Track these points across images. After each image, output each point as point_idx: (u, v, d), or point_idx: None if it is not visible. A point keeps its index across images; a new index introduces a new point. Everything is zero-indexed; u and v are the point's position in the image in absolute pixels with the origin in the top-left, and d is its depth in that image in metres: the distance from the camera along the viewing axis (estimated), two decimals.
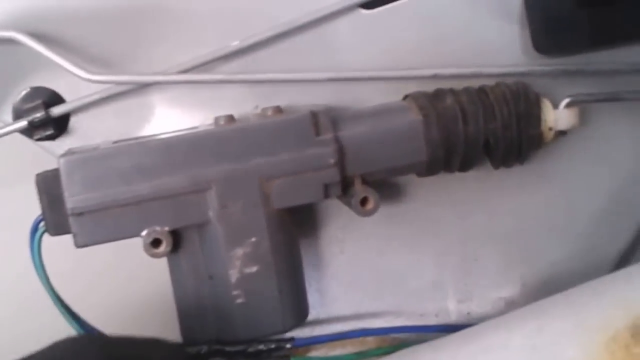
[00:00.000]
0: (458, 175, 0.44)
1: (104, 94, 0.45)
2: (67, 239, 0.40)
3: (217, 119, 0.42)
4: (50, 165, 0.40)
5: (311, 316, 0.44)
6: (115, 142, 0.43)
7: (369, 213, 0.42)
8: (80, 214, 0.39)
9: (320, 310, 0.48)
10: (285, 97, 0.45)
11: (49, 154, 0.45)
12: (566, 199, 0.48)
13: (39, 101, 0.45)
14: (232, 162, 0.40)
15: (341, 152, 0.41)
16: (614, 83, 0.45)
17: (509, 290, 0.49)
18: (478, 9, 0.44)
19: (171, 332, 0.42)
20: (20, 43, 0.42)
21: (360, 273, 0.48)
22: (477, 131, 0.42)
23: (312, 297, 0.45)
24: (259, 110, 0.44)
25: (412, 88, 0.44)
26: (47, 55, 0.42)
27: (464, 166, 0.43)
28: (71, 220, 0.39)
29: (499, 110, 0.42)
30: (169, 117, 0.46)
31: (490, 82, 0.44)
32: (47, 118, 0.44)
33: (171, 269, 0.42)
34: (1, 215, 0.50)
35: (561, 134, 0.44)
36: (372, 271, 0.48)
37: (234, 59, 0.44)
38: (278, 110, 0.42)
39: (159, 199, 0.39)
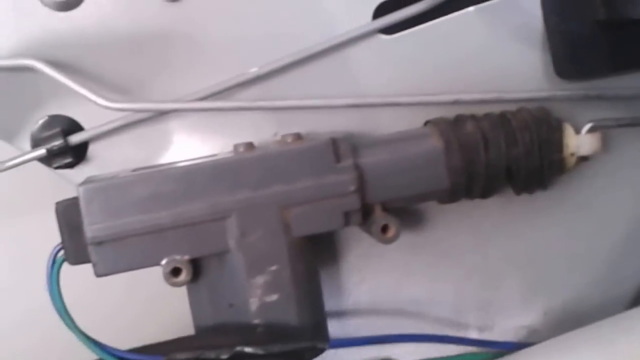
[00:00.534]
0: (479, 201, 0.42)
1: (122, 122, 0.44)
2: (83, 268, 0.39)
3: (236, 147, 0.41)
4: (68, 193, 0.39)
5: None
6: (134, 170, 0.42)
7: (390, 241, 0.40)
8: (99, 243, 0.38)
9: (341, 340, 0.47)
10: (305, 124, 0.43)
11: (67, 182, 0.44)
12: (589, 226, 0.46)
13: (57, 129, 0.44)
14: (252, 190, 0.39)
15: (361, 179, 0.40)
16: (638, 107, 0.44)
17: (531, 319, 0.47)
18: (499, 33, 0.43)
19: None
20: (38, 71, 0.41)
21: (380, 302, 0.47)
22: (499, 158, 0.41)
23: (332, 327, 0.44)
24: (278, 137, 0.43)
25: (433, 114, 0.43)
26: (66, 83, 0.41)
27: (486, 193, 0.42)
28: (90, 249, 0.38)
29: (520, 137, 0.41)
30: (188, 145, 0.44)
31: (511, 107, 0.43)
32: (65, 146, 0.43)
33: (191, 298, 0.41)
34: (19, 245, 0.50)
35: (584, 159, 0.42)
36: (393, 300, 0.47)
37: (253, 86, 0.43)
38: (298, 137, 0.41)
39: (179, 227, 0.38)
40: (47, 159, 0.44)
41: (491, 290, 0.47)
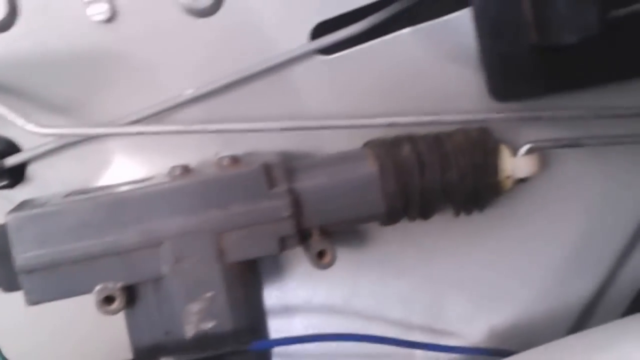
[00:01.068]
0: (421, 221, 0.41)
1: (59, 143, 0.42)
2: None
3: (172, 169, 0.39)
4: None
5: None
6: (68, 194, 0.40)
7: (326, 266, 0.39)
8: (30, 272, 0.37)
9: (287, 359, 0.45)
10: (246, 143, 0.42)
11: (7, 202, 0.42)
12: (530, 244, 0.45)
13: None
14: (186, 216, 0.37)
15: (297, 204, 0.38)
16: (575, 127, 0.42)
17: (477, 336, 0.46)
18: (434, 54, 0.41)
19: None
20: None
21: (328, 320, 0.46)
22: (433, 181, 0.39)
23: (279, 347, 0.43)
24: (217, 157, 0.41)
25: (371, 133, 0.41)
26: None
27: (425, 214, 0.41)
28: (21, 277, 0.37)
29: (454, 161, 0.39)
30: (128, 165, 0.43)
31: (450, 128, 0.41)
32: (1, 168, 0.41)
33: (128, 324, 0.39)
34: None
35: (522, 180, 0.41)
36: (340, 318, 0.46)
37: (191, 106, 0.42)
38: (234, 160, 0.39)
39: (111, 255, 0.37)
40: None
41: (437, 307, 0.46)
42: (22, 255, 0.36)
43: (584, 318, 0.46)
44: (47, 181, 0.43)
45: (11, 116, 0.39)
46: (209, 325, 0.38)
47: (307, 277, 0.45)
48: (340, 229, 0.41)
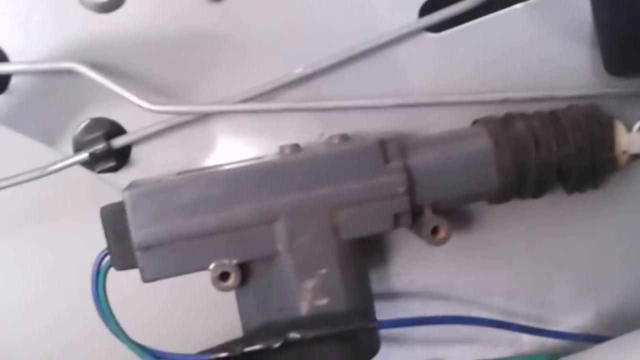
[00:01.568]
0: (530, 201, 0.39)
1: (165, 124, 0.41)
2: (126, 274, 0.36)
3: (282, 148, 0.38)
4: (109, 197, 0.37)
5: (383, 346, 0.39)
6: (179, 173, 0.39)
7: (441, 242, 0.37)
8: (147, 248, 0.35)
9: (392, 342, 0.44)
10: (351, 124, 0.40)
11: (110, 186, 0.41)
12: None
13: (99, 133, 0.40)
14: (300, 192, 0.36)
15: (411, 180, 0.37)
16: None
17: (583, 319, 0.44)
18: (547, 30, 0.40)
19: None
20: (80, 74, 0.38)
21: (430, 303, 0.44)
22: (550, 157, 0.38)
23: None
24: (324, 138, 0.40)
25: (481, 113, 0.40)
26: (108, 86, 0.38)
27: (537, 192, 0.39)
28: (137, 254, 0.35)
29: (571, 135, 0.38)
30: (232, 147, 0.41)
31: (561, 105, 0.39)
32: (108, 150, 0.40)
33: (239, 302, 0.38)
34: (63, 250, 0.47)
35: (635, 157, 0.39)
36: (443, 301, 0.44)
37: (298, 86, 0.40)
38: (344, 138, 0.38)
39: (227, 231, 0.36)
40: (90, 163, 0.41)
41: (543, 290, 0.44)
42: (140, 231, 0.35)
43: None
44: (151, 164, 0.41)
45: (127, 94, 0.38)
46: (323, 302, 0.36)
47: (408, 261, 0.43)
48: (451, 206, 0.39)
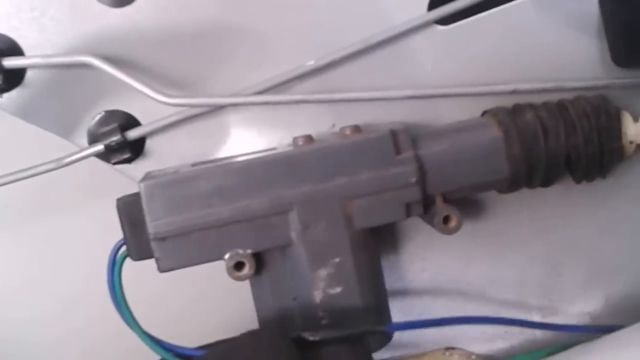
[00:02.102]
0: (539, 190, 0.38)
1: (179, 116, 0.40)
2: (141, 264, 0.35)
3: (295, 140, 0.37)
4: (124, 188, 0.36)
5: (395, 335, 0.38)
6: (194, 164, 0.38)
7: (452, 231, 0.36)
8: (162, 239, 0.34)
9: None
10: (363, 115, 0.39)
11: (125, 177, 0.40)
12: None
13: (114, 125, 0.39)
14: (313, 182, 0.35)
15: (422, 170, 0.36)
16: None
17: (593, 305, 0.43)
18: (555, 22, 0.39)
19: None
20: (95, 67, 0.37)
21: (442, 290, 0.43)
22: (558, 146, 0.37)
23: (395, 316, 0.40)
24: (336, 129, 0.39)
25: (490, 103, 0.39)
26: (123, 79, 0.37)
27: (546, 181, 0.38)
28: (153, 244, 0.35)
29: (579, 125, 0.37)
30: (246, 138, 0.40)
31: (569, 95, 0.39)
32: (123, 141, 0.39)
33: (254, 291, 0.38)
34: (78, 241, 0.46)
35: None
36: (455, 288, 0.43)
37: (310, 78, 0.39)
38: (356, 129, 0.37)
39: (241, 221, 0.35)
40: (105, 155, 0.40)
41: (553, 276, 0.43)
42: (156, 222, 0.34)
43: None
44: (165, 155, 0.40)
45: (142, 87, 0.37)
46: (336, 290, 0.35)
47: (420, 249, 0.43)
48: (462, 195, 0.38)
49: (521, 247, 0.43)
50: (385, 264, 0.42)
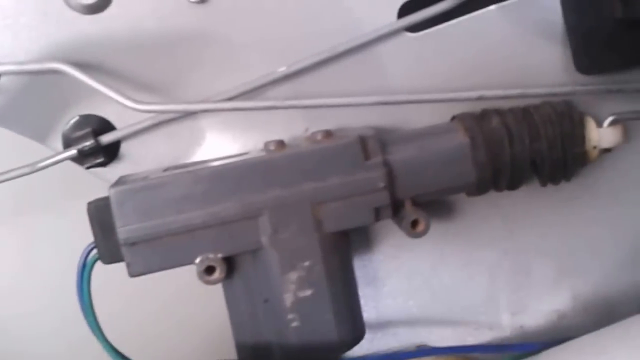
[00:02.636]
0: (508, 192, 0.38)
1: (153, 121, 0.39)
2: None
3: (267, 144, 0.36)
4: (102, 189, 0.34)
5: (368, 332, 0.38)
6: (166, 169, 0.37)
7: (420, 235, 0.35)
8: (133, 244, 0.33)
9: (377, 328, 0.42)
10: (335, 119, 0.39)
11: (100, 180, 0.39)
12: (613, 213, 0.41)
13: (88, 129, 0.38)
14: (283, 188, 0.34)
15: (391, 175, 0.35)
16: None
17: (561, 303, 0.42)
18: (520, 30, 0.38)
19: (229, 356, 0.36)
20: (66, 74, 0.35)
21: (415, 289, 0.42)
22: (523, 151, 0.36)
23: (369, 315, 0.40)
24: (309, 133, 0.38)
25: (458, 108, 0.38)
26: (93, 86, 0.35)
27: (512, 185, 0.37)
28: (124, 250, 0.33)
29: (544, 131, 0.36)
30: (221, 142, 0.39)
31: (535, 101, 0.38)
32: (96, 146, 0.38)
33: (226, 295, 0.36)
34: (53, 243, 0.44)
35: (606, 151, 0.38)
36: (427, 287, 0.42)
37: (282, 84, 0.38)
38: (327, 134, 0.36)
39: (212, 226, 0.34)
40: (79, 159, 0.38)
41: (522, 275, 0.42)
42: (126, 227, 0.33)
43: None
44: (139, 159, 0.39)
45: (112, 94, 0.35)
46: (307, 293, 0.34)
47: (393, 249, 0.42)
48: (431, 199, 0.37)
49: (491, 247, 0.42)
50: (359, 263, 0.41)
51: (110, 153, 0.39)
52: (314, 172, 0.34)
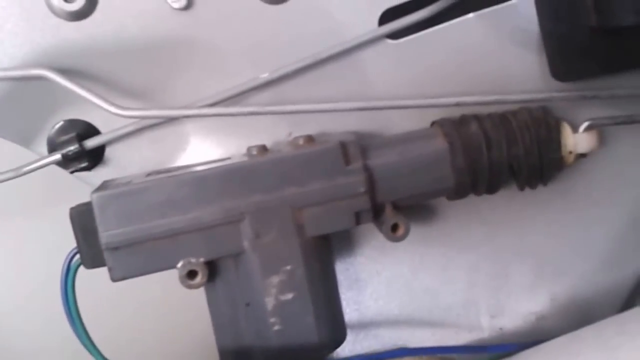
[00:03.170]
0: (487, 196, 0.37)
1: (138, 125, 0.37)
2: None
3: (249, 149, 0.35)
4: (86, 192, 0.33)
5: (350, 334, 0.38)
6: (149, 174, 0.36)
7: (400, 239, 0.35)
8: (115, 249, 0.32)
9: (359, 330, 0.41)
10: (318, 124, 0.38)
11: (86, 184, 0.38)
12: (589, 216, 0.40)
13: (72, 134, 0.37)
14: (265, 192, 0.33)
15: (371, 180, 0.34)
16: (631, 105, 0.37)
17: (539, 305, 0.41)
18: (498, 37, 0.37)
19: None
20: (50, 80, 0.34)
21: (396, 292, 0.41)
22: (501, 157, 0.35)
23: (350, 317, 0.39)
24: (291, 138, 0.37)
25: (438, 114, 0.37)
26: (77, 91, 0.34)
27: (491, 189, 0.36)
28: (106, 254, 0.32)
29: (520, 136, 0.36)
30: (205, 146, 0.38)
31: (513, 107, 0.37)
32: (80, 151, 0.37)
33: (208, 299, 0.35)
34: (38, 247, 0.43)
35: (582, 156, 0.37)
36: (408, 290, 0.41)
37: (265, 90, 0.37)
38: (309, 139, 0.35)
39: (194, 231, 0.32)
40: (64, 163, 0.37)
41: (500, 278, 0.41)
42: (108, 232, 0.32)
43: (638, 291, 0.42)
44: (124, 163, 0.38)
45: (95, 99, 0.34)
46: (288, 296, 0.33)
47: (375, 252, 0.41)
48: (411, 203, 0.36)
49: (471, 250, 0.41)
50: (341, 267, 0.40)
51: (95, 157, 0.38)
52: (295, 177, 0.33)
